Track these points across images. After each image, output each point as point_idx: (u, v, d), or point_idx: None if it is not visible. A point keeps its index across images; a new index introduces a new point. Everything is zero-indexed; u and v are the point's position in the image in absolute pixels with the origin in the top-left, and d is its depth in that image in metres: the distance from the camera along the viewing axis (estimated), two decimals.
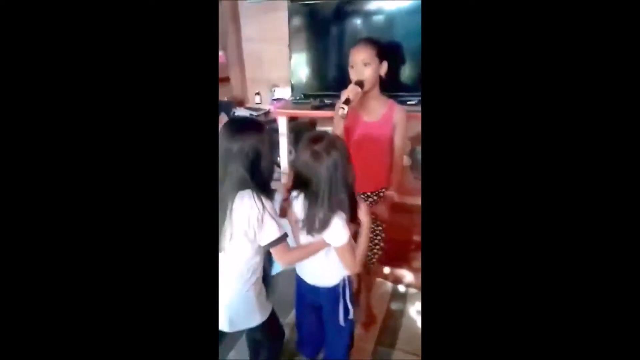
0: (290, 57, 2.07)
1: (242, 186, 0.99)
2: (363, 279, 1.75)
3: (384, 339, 1.68)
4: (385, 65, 1.33)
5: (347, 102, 1.24)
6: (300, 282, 1.21)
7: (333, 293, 1.15)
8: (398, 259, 2.17)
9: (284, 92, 2.19)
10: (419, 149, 2.08)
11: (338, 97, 1.34)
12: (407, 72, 1.84)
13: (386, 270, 2.14)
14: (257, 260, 1.07)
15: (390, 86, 1.44)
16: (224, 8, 2.23)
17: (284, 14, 2.03)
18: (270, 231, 1.01)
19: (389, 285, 2.04)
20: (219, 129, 0.99)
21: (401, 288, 2.01)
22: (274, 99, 2.19)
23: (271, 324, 1.16)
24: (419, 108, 1.55)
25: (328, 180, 0.96)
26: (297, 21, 2.05)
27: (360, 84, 1.29)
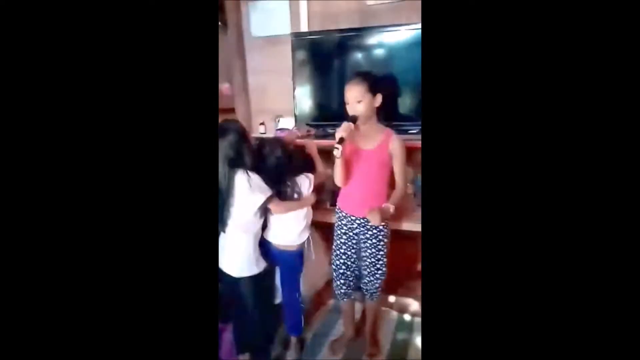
0: (294, 89, 2.13)
1: (234, 166, 1.41)
2: (368, 308, 1.74)
3: None
4: (379, 97, 1.39)
5: (340, 141, 1.32)
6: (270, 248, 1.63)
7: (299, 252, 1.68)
8: (403, 287, 2.15)
9: (288, 122, 2.23)
10: (420, 176, 2.10)
11: (339, 126, 1.41)
12: (407, 102, 1.88)
13: (391, 299, 2.13)
14: (255, 220, 1.49)
15: (390, 116, 1.49)
16: (229, 42, 2.31)
17: (288, 48, 2.10)
18: (259, 194, 1.43)
19: (394, 314, 2.02)
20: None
21: (407, 317, 1.99)
22: (278, 129, 2.23)
23: (264, 280, 1.59)
24: (420, 137, 1.59)
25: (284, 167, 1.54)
26: (301, 54, 2.11)
27: (354, 119, 1.37)
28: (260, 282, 1.57)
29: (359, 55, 2.03)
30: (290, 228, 1.61)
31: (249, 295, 1.54)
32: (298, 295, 1.72)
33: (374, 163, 1.44)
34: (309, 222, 1.67)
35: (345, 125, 1.34)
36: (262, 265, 1.55)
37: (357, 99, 1.36)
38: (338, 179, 1.48)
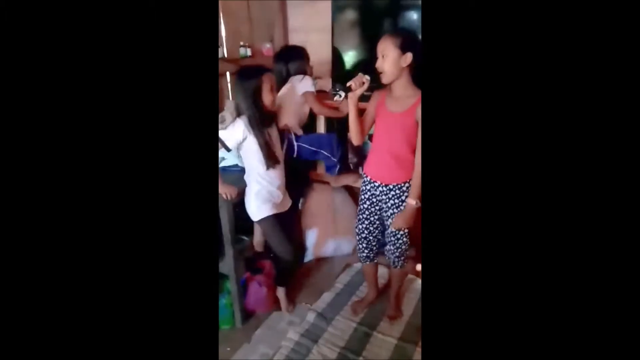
0: (332, 50, 2.09)
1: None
2: (393, 274, 1.75)
3: (408, 335, 1.67)
4: (409, 56, 1.29)
5: (347, 89, 1.31)
6: None
7: None
8: None
9: (325, 84, 2.21)
10: None
11: (377, 89, 1.45)
12: None
13: (419, 267, 2.12)
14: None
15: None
16: (272, 0, 2.30)
17: (329, 6, 2.05)
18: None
19: (420, 282, 2.01)
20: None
21: None
22: (316, 90, 2.22)
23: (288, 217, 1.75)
24: None
25: None
26: (341, 14, 2.06)
27: (380, 73, 1.33)
28: (275, 222, 1.63)
29: (400, 16, 1.94)
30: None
31: (271, 233, 1.65)
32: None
33: (399, 128, 1.38)
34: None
35: (359, 75, 1.32)
36: (272, 210, 1.61)
37: (384, 52, 1.31)
38: (352, 136, 1.47)
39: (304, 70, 1.95)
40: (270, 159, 1.51)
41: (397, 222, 1.46)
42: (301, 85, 1.90)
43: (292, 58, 1.96)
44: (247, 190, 1.60)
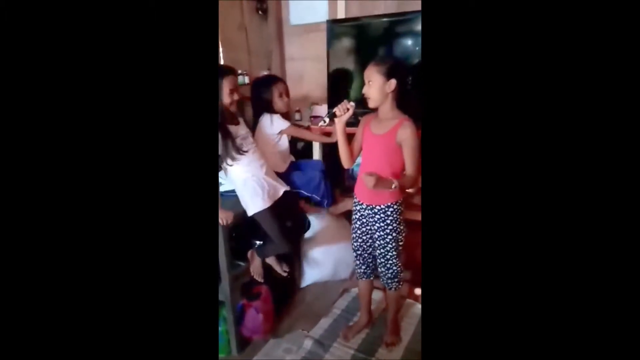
0: (328, 76, 2.15)
1: None
2: (388, 297, 1.73)
3: None
4: (393, 83, 1.37)
5: (332, 116, 1.43)
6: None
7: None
8: None
9: (322, 110, 2.26)
10: None
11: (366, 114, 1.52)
12: None
13: (417, 291, 2.10)
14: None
15: (407, 104, 1.46)
16: (269, 30, 2.37)
17: (324, 35, 2.12)
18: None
19: (419, 307, 1.99)
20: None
21: None
22: (312, 116, 2.27)
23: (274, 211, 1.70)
24: None
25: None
26: (336, 41, 2.12)
27: (365, 99, 1.41)
28: (271, 214, 1.66)
29: (397, 44, 2.00)
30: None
31: (266, 226, 1.66)
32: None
33: (381, 149, 1.44)
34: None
35: (344, 102, 1.42)
36: (266, 203, 1.63)
37: (369, 78, 1.39)
38: (342, 160, 1.53)
39: (267, 102, 1.88)
40: (228, 155, 1.56)
41: (367, 180, 1.33)
42: (274, 126, 1.88)
43: (257, 87, 1.92)
44: (237, 184, 1.64)
